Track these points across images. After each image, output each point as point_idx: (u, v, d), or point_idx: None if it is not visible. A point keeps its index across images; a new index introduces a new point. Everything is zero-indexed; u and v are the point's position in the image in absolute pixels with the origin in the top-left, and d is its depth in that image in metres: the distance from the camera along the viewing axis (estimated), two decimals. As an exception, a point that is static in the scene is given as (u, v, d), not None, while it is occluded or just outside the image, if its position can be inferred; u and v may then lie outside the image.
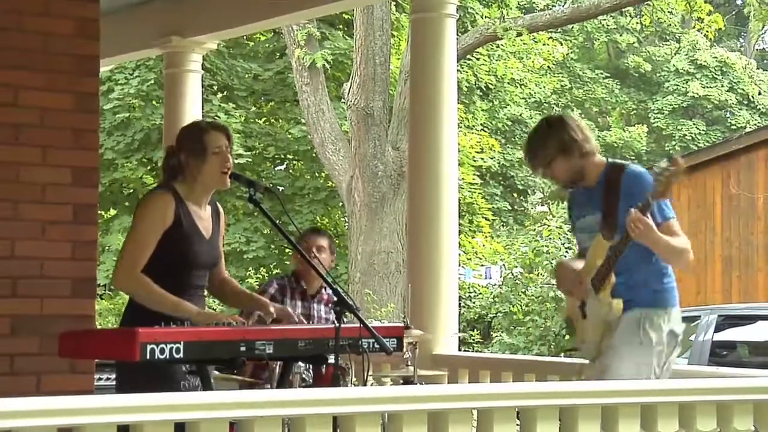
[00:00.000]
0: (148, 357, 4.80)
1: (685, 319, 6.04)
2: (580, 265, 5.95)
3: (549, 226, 22.61)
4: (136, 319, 5.37)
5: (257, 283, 23.04)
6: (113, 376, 7.30)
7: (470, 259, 25.78)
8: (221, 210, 5.93)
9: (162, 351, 4.83)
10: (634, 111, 38.22)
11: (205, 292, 5.93)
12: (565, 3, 32.66)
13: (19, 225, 6.21)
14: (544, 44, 26.59)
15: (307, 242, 7.68)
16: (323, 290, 7.95)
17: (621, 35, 36.21)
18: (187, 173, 5.69)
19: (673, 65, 36.08)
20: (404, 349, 7.31)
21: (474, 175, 24.94)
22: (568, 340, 6.20)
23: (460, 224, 20.71)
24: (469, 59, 24.28)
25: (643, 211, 5.47)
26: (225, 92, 23.99)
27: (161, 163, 6.00)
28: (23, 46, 6.28)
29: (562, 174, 5.87)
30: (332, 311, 5.23)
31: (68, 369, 6.11)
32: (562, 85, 34.82)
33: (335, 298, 5.23)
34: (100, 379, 7.31)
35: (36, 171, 6.26)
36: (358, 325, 5.23)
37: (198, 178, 5.67)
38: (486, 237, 26.55)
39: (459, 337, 10.38)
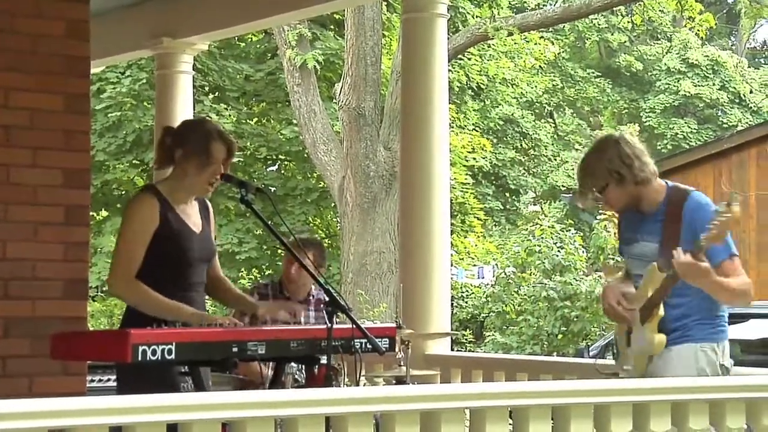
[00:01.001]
0: (140, 358, 4.78)
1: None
2: (627, 287, 5.75)
3: (541, 225, 22.63)
4: (136, 321, 5.35)
5: (249, 284, 23.03)
6: (106, 377, 7.34)
7: (462, 258, 25.81)
8: (209, 204, 5.91)
9: (154, 352, 4.82)
10: (626, 110, 38.25)
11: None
12: (556, 2, 32.69)
13: (11, 227, 6.20)
14: (535, 44, 26.60)
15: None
16: (311, 296, 7.94)
17: (612, 34, 36.24)
18: (177, 171, 5.67)
19: (665, 64, 36.11)
20: (397, 349, 7.31)
21: (466, 174, 24.96)
22: (616, 363, 5.95)
23: (452, 224, 20.70)
24: (461, 59, 24.29)
25: (695, 254, 5.25)
26: (216, 93, 23.99)
27: (157, 142, 5.93)
28: (13, 47, 6.27)
29: (615, 201, 5.64)
30: (323, 312, 5.21)
31: (60, 371, 6.11)
32: (553, 85, 34.85)
33: (327, 299, 5.21)
34: (92, 380, 7.31)
35: (27, 172, 6.25)
36: (350, 325, 5.22)
37: (185, 178, 5.64)
38: (478, 237, 26.58)
39: (452, 337, 10.39)
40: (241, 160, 22.89)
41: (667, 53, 36.48)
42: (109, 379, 7.42)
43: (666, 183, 5.69)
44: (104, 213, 24.03)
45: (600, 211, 20.31)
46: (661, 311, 5.49)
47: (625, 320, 5.67)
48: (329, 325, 5.09)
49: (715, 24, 26.44)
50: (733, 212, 5.23)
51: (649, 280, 5.56)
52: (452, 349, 10.70)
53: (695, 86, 35.15)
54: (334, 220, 23.69)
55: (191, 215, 5.72)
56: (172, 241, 5.57)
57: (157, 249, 5.54)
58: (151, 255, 5.53)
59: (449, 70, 19.89)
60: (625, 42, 37.36)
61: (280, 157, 24.62)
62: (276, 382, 5.97)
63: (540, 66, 30.38)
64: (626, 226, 5.84)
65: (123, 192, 23.66)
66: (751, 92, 36.01)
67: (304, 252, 7.41)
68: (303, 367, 6.73)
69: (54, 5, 6.38)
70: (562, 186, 32.97)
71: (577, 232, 23.49)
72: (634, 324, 5.62)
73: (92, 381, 7.31)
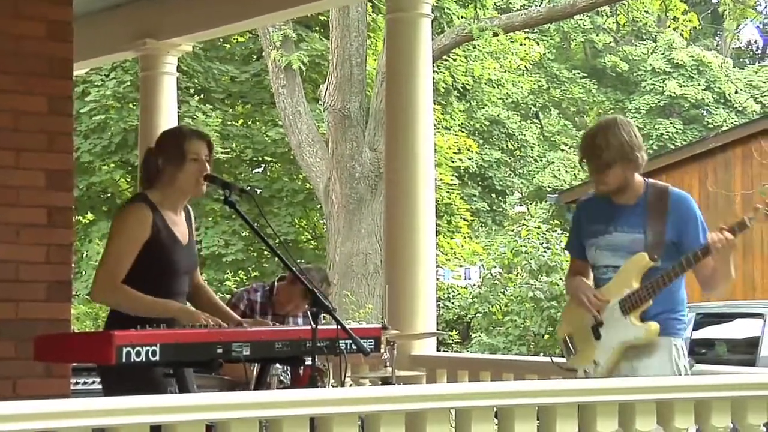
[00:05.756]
0: (124, 360, 4.76)
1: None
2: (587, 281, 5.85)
3: (527, 226, 22.67)
4: (120, 323, 5.32)
5: (235, 286, 23.00)
6: (91, 380, 7.31)
7: (449, 259, 25.81)
8: (192, 212, 5.90)
9: (138, 354, 4.79)
10: (612, 110, 38.25)
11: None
12: (540, 3, 32.71)
13: (-7, 228, 6.17)
14: (521, 44, 26.63)
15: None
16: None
17: (597, 35, 36.30)
18: (165, 178, 5.65)
19: (650, 64, 36.19)
20: (382, 350, 7.30)
21: (452, 175, 24.96)
22: (573, 359, 6.03)
23: (438, 225, 20.71)
24: (446, 60, 24.30)
25: (733, 232, 5.41)
26: (202, 94, 23.97)
27: (139, 164, 5.94)
28: (-6, 48, 6.25)
29: (612, 180, 5.62)
30: (308, 314, 5.19)
31: (44, 373, 6.09)
32: (539, 86, 34.89)
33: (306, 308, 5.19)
34: (77, 383, 7.28)
35: (9, 174, 6.22)
36: (335, 326, 5.20)
37: (174, 184, 5.64)
38: (464, 237, 26.58)
39: (438, 338, 10.38)
40: (227, 162, 22.86)
41: (652, 53, 36.56)
42: (94, 382, 7.39)
43: (644, 178, 5.75)
44: (90, 216, 23.98)
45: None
46: (650, 302, 5.56)
47: (600, 312, 5.69)
48: (314, 325, 5.07)
49: (700, 24, 26.49)
50: None
51: (630, 271, 5.60)
52: (438, 350, 10.69)
53: (680, 86, 35.22)
54: (320, 221, 23.67)
55: (179, 225, 5.71)
56: (160, 252, 5.56)
57: (144, 258, 5.53)
58: (136, 263, 5.52)
59: (435, 71, 19.89)
60: (610, 42, 37.43)
61: (265, 158, 24.61)
62: (261, 384, 5.95)
63: (525, 67, 30.39)
64: (592, 217, 5.83)
65: (108, 195, 23.61)
66: (736, 92, 36.07)
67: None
68: (288, 368, 6.72)
69: (35, 6, 6.35)
70: (548, 187, 33.01)
71: (563, 233, 23.50)
72: (610, 316, 5.66)
73: (77, 383, 7.29)
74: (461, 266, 29.09)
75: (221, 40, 23.34)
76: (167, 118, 11.43)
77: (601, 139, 5.61)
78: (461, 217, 25.26)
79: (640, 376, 5.51)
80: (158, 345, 4.88)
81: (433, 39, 10.94)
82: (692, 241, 5.54)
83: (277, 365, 6.47)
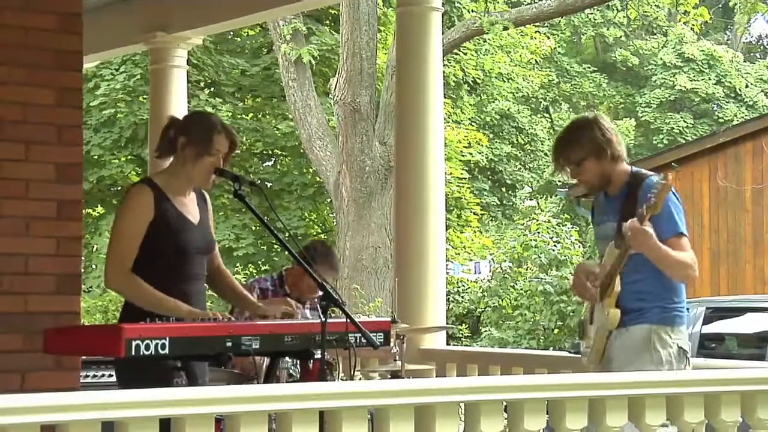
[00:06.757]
0: (133, 353, 4.75)
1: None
2: (596, 267, 5.93)
3: (537, 220, 22.66)
4: (134, 316, 5.31)
5: (246, 280, 22.99)
6: (101, 373, 7.32)
7: (459, 253, 25.80)
8: (207, 196, 5.88)
9: (147, 347, 4.78)
10: (622, 105, 38.25)
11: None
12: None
13: (3, 221, 6.16)
14: (531, 38, 26.58)
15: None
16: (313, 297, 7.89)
17: (608, 29, 36.21)
18: (179, 156, 5.64)
19: (660, 59, 36.10)
20: (392, 344, 7.29)
21: (462, 169, 24.94)
22: (583, 342, 6.17)
23: (448, 219, 20.70)
24: (457, 54, 24.28)
25: (641, 221, 5.43)
26: (212, 88, 23.98)
27: (161, 131, 5.85)
28: (4, 41, 6.23)
29: (590, 176, 5.76)
30: (318, 308, 5.19)
31: (53, 366, 6.07)
32: (549, 80, 34.81)
33: (321, 293, 5.18)
34: (87, 376, 7.28)
35: (19, 167, 6.20)
36: (344, 319, 5.20)
37: (186, 167, 5.61)
38: (474, 232, 26.57)
39: (447, 332, 10.37)
40: (237, 155, 22.81)
41: (662, 48, 36.47)
42: (103, 375, 7.40)
43: (631, 167, 5.84)
44: (100, 209, 24.01)
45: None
46: (617, 287, 5.63)
47: (591, 297, 5.83)
48: (323, 319, 5.06)
49: (710, 18, 26.46)
50: (667, 179, 5.40)
51: (608, 258, 5.72)
52: (448, 344, 10.68)
53: (691, 81, 35.13)
54: (330, 215, 23.67)
55: (189, 206, 5.69)
56: (168, 233, 5.54)
57: (154, 241, 5.51)
58: (148, 247, 5.50)
59: (445, 65, 19.87)
60: (620, 37, 37.35)
61: (275, 152, 24.61)
62: (270, 377, 5.94)
63: (536, 61, 30.35)
64: (597, 209, 6.03)
65: (119, 188, 23.64)
66: (746, 86, 35.98)
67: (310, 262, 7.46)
68: (297, 361, 6.71)
69: (45, -2, 6.35)
70: (558, 181, 32.98)
71: (573, 227, 23.51)
72: (596, 301, 5.79)
73: (87, 376, 7.29)
74: (471, 260, 29.07)
75: (231, 33, 23.34)
76: (177, 111, 11.42)
77: (569, 139, 5.81)
78: (471, 211, 25.24)
79: (614, 359, 5.63)
80: (167, 338, 4.87)
81: (443, 33, 10.93)
82: (661, 229, 5.54)
83: (287, 359, 6.46)
